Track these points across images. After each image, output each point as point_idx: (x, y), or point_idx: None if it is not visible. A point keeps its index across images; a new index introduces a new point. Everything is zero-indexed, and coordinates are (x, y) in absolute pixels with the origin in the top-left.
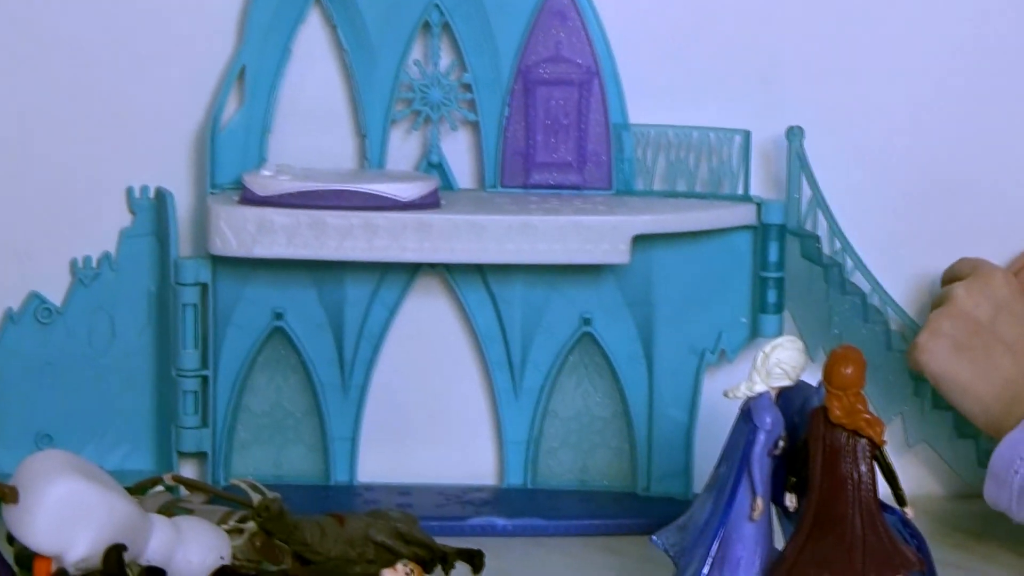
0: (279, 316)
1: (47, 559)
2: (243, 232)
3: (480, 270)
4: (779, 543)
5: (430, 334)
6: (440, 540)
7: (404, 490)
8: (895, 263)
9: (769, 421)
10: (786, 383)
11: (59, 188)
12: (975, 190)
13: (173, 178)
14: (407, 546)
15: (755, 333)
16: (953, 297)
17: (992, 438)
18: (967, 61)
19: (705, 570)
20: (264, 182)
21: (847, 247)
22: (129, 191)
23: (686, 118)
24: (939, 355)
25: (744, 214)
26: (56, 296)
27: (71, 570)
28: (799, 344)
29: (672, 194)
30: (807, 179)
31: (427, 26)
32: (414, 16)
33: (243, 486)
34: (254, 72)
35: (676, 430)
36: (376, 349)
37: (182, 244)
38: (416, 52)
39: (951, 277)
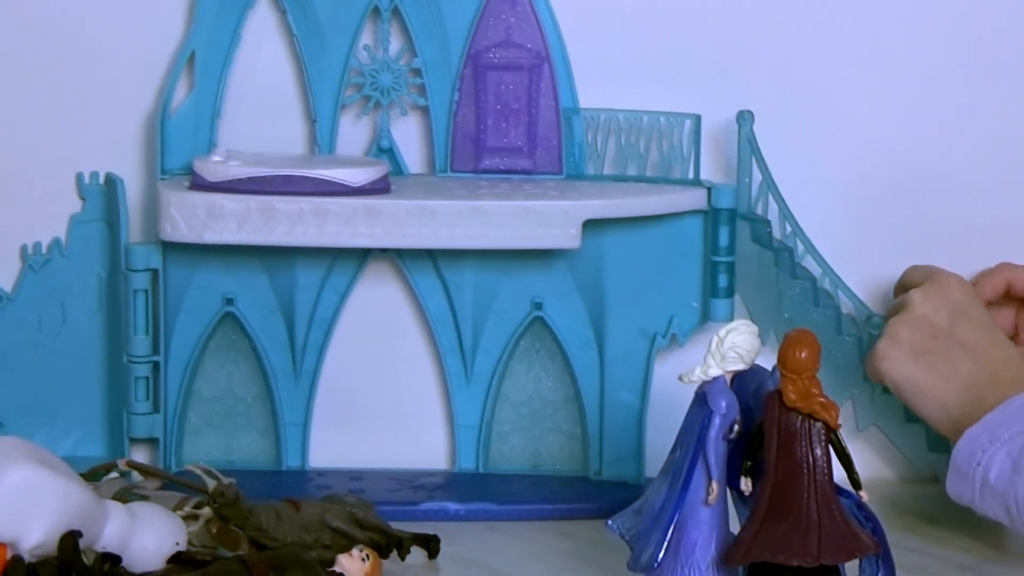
0: (230, 302)
1: (2, 546)
2: (193, 218)
3: (431, 255)
4: (735, 527)
5: (381, 319)
6: (393, 525)
7: (356, 475)
8: (846, 247)
9: (724, 405)
10: (741, 367)
11: (8, 174)
12: (926, 177)
13: (123, 164)
14: (363, 531)
15: (706, 317)
16: (910, 304)
17: (953, 442)
18: (920, 50)
19: (660, 554)
20: (214, 168)
21: (798, 231)
22: (79, 177)
23: (636, 102)
24: (898, 361)
25: (695, 198)
26: (6, 282)
27: (26, 557)
28: (754, 328)
29: (622, 178)
30: (757, 163)
31: (377, 11)
32: (364, 1)
33: (198, 472)
34: (204, 57)
35: (627, 414)
36: (327, 334)
37: (132, 230)
38: (366, 37)
39: (904, 286)
